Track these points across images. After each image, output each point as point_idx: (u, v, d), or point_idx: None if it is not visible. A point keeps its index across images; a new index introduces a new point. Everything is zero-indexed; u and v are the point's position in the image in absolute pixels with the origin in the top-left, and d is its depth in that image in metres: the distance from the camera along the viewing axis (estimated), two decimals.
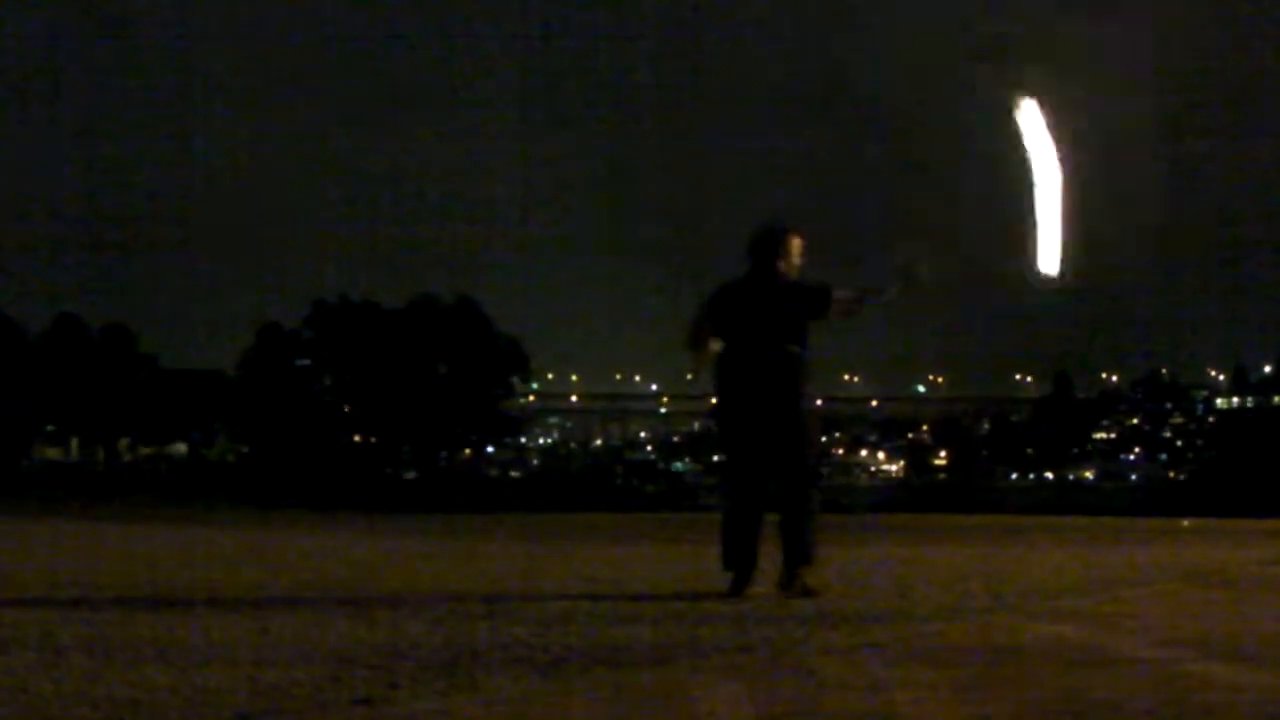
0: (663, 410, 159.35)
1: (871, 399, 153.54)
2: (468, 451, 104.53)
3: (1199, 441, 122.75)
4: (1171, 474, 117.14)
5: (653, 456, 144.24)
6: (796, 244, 9.06)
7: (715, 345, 8.98)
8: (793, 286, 8.94)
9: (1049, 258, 9.25)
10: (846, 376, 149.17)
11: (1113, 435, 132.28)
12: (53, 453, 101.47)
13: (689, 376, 9.45)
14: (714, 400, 9.01)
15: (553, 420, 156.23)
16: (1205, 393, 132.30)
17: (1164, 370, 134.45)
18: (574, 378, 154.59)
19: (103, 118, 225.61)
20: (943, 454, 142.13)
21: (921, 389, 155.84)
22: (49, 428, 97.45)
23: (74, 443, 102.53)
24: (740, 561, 8.68)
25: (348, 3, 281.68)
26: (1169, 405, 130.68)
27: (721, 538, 8.79)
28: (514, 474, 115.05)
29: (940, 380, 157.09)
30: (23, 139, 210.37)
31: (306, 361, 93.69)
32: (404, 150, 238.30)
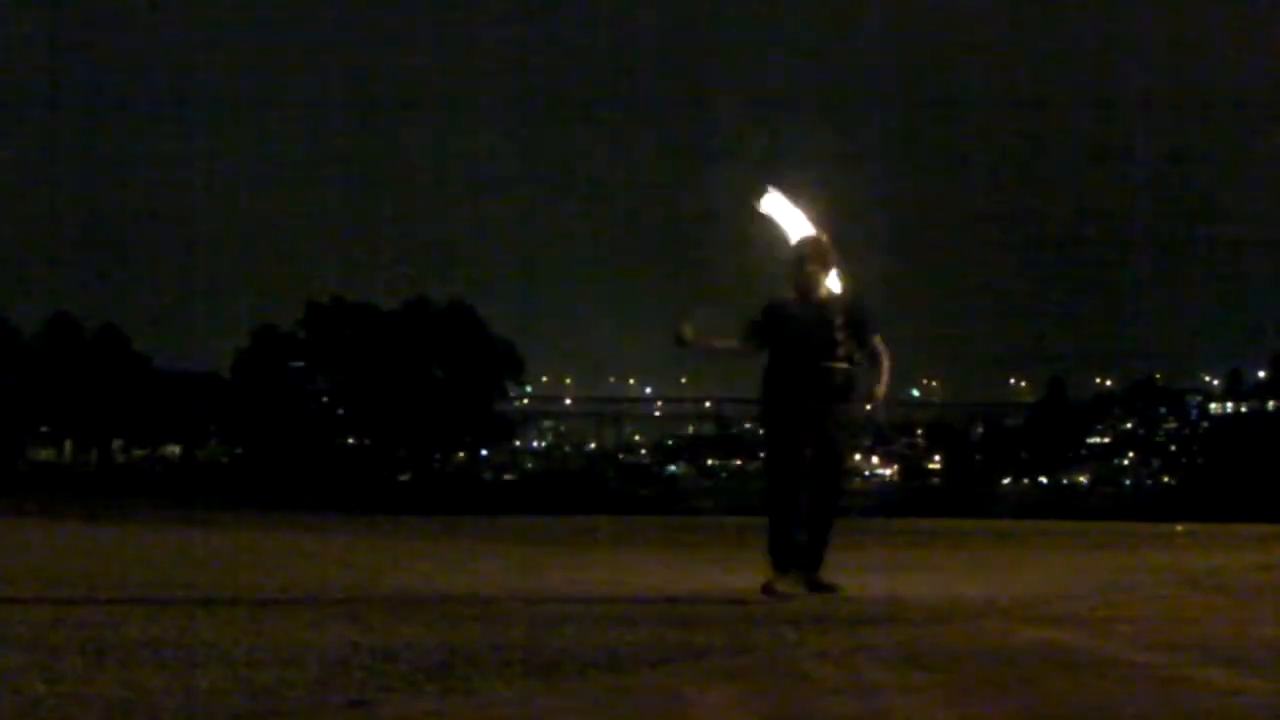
0: (657, 414, 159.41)
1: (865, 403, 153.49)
2: (462, 454, 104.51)
3: (1195, 446, 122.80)
4: (1166, 478, 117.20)
5: (647, 460, 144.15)
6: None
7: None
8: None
9: None
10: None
11: (1106, 439, 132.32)
12: (46, 454, 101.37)
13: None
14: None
15: (547, 423, 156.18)
16: (1199, 397, 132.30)
17: (1158, 375, 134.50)
18: (568, 381, 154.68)
19: (99, 118, 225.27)
20: (937, 458, 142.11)
21: (915, 393, 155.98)
22: (43, 429, 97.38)
23: (68, 444, 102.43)
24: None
25: (347, 2, 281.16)
26: (1163, 410, 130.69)
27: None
28: (508, 477, 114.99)
29: (934, 384, 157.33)
30: (18, 138, 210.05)
31: (301, 363, 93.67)
32: (400, 151, 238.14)
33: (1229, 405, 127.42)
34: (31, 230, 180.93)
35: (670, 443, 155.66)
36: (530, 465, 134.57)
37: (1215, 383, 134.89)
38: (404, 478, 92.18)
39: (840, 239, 9.53)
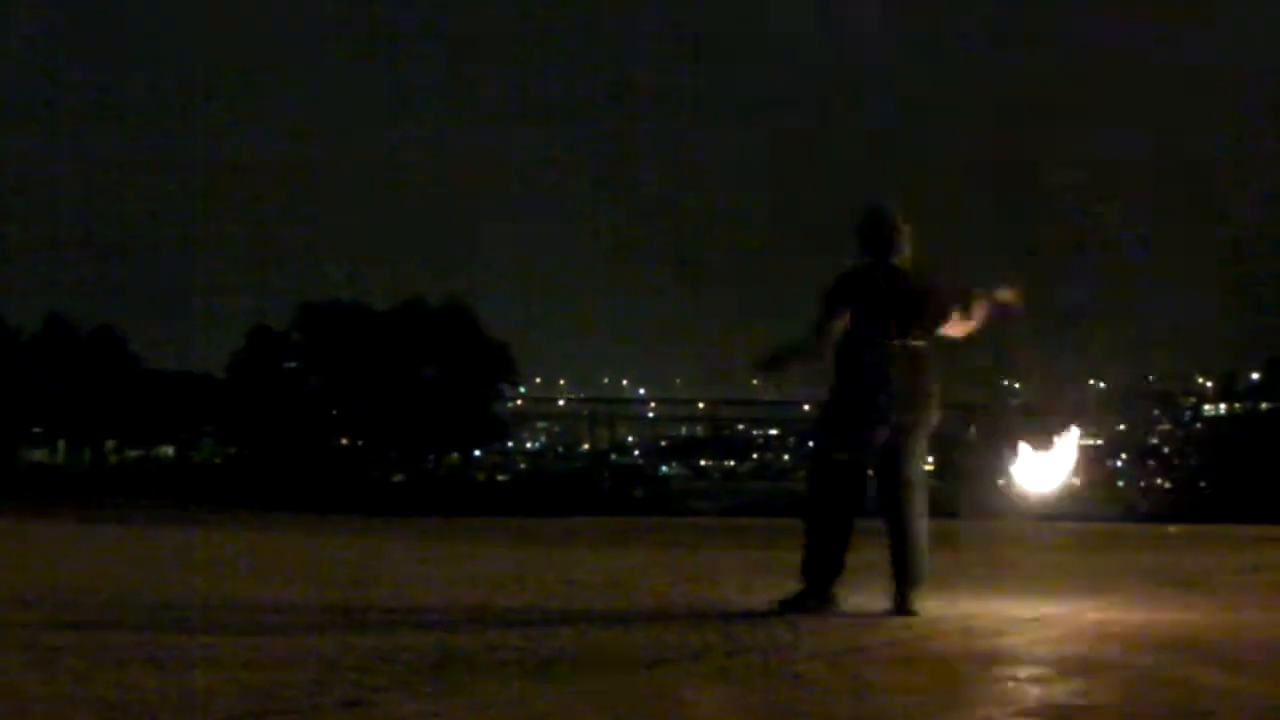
0: (650, 414, 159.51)
1: None
2: (455, 455, 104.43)
3: (1188, 448, 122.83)
4: (1159, 480, 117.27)
5: (640, 461, 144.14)
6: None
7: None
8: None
9: None
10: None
11: (1099, 441, 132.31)
12: (40, 454, 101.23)
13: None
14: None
15: (540, 424, 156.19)
16: (1193, 399, 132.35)
17: (1150, 377, 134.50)
18: (561, 382, 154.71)
19: (96, 119, 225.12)
20: (930, 459, 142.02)
21: None
22: (36, 429, 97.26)
23: (61, 445, 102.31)
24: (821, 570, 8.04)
25: (341, 4, 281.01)
26: (1156, 412, 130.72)
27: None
28: (501, 478, 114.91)
29: None
30: (14, 139, 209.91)
31: (295, 364, 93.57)
32: (394, 152, 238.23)
33: (1223, 407, 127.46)
34: (28, 230, 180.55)
35: (663, 443, 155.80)
36: (523, 466, 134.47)
37: (1209, 385, 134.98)
38: (397, 479, 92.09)
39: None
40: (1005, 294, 8.52)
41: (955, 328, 8.39)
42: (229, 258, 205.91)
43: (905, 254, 8.28)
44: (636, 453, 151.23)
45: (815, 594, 7.96)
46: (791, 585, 8.04)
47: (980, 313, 8.46)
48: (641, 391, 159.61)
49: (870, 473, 8.17)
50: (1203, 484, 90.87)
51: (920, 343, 8.10)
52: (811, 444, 8.79)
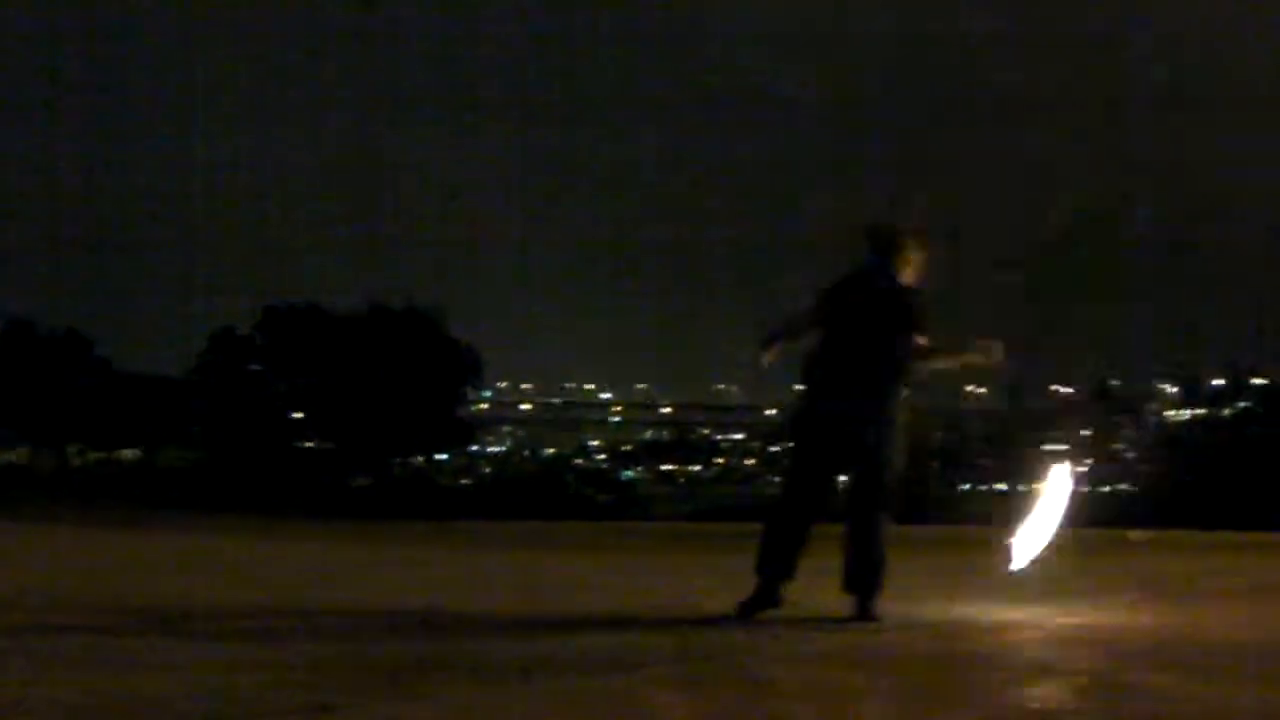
0: (615, 419, 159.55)
1: None
2: (421, 459, 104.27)
3: (1150, 453, 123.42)
4: (1122, 485, 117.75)
5: (604, 465, 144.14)
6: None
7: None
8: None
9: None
10: (797, 386, 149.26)
11: (1064, 446, 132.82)
12: (16, 455, 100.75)
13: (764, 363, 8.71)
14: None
15: (505, 428, 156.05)
16: (1156, 404, 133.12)
17: (1115, 382, 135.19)
18: (525, 386, 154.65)
19: (69, 121, 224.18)
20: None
21: None
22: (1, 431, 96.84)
23: (23, 448, 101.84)
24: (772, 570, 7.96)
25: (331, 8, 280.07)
26: (1119, 417, 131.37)
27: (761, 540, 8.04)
28: (464, 481, 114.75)
29: None
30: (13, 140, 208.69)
31: (259, 367, 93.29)
32: (356, 155, 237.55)
33: (1186, 412, 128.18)
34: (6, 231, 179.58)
35: (627, 448, 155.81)
36: (487, 470, 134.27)
37: (1175, 390, 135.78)
38: (361, 482, 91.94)
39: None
40: (974, 357, 8.48)
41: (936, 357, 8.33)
42: (194, 259, 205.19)
43: (901, 268, 8.22)
44: (601, 457, 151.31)
45: (766, 593, 7.88)
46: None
47: (947, 360, 8.50)
48: (606, 396, 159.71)
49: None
50: (1166, 490, 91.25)
51: (881, 345, 8.04)
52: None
